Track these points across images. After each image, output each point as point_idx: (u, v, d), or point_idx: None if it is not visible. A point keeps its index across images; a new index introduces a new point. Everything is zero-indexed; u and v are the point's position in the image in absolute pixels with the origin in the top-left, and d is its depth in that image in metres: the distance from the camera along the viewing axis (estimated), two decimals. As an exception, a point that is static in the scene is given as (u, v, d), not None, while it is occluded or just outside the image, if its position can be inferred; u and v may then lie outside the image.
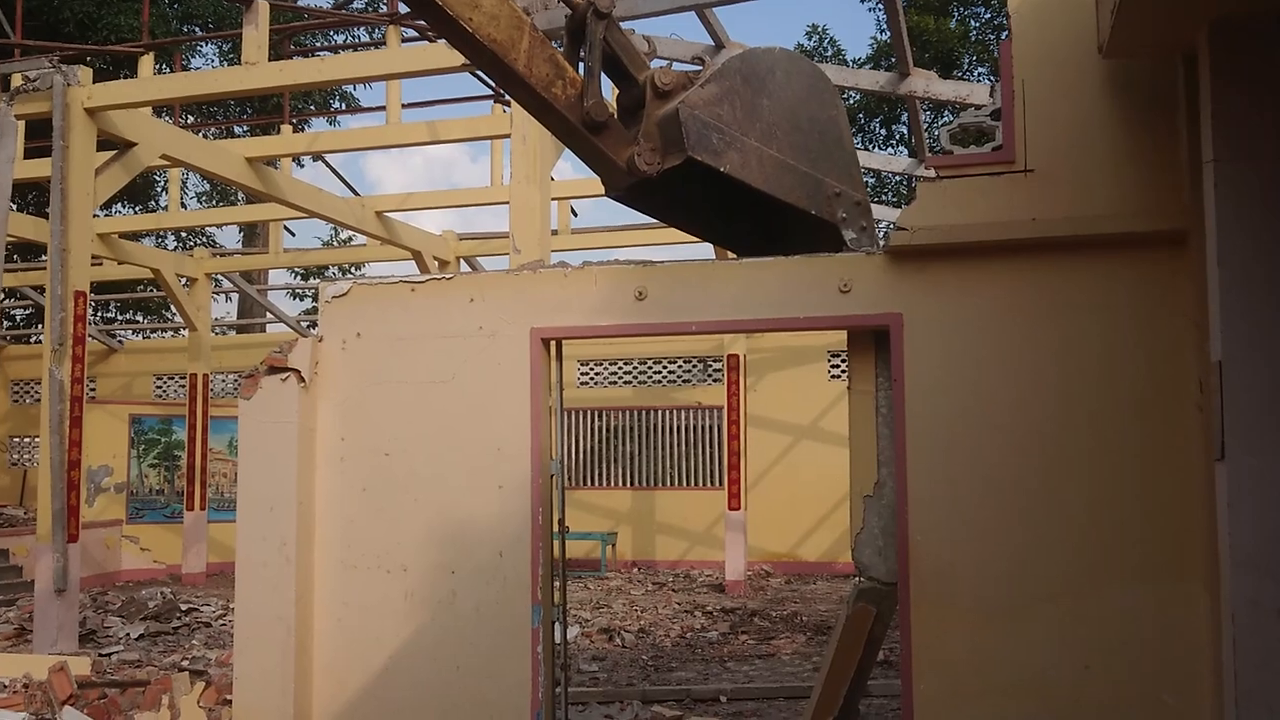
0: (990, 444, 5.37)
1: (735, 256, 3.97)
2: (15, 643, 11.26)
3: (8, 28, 13.86)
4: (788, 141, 3.49)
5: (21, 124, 11.00)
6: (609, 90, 4.77)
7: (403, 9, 11.99)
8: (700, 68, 3.51)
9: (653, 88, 3.46)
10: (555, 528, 6.08)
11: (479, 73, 11.67)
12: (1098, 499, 5.24)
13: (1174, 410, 5.17)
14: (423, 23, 12.22)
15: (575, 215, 17.61)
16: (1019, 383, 5.37)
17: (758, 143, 3.42)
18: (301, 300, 33.98)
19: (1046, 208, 5.32)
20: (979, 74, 27.64)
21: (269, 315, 23.06)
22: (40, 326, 24.40)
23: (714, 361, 18.49)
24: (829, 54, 28.34)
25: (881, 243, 5.67)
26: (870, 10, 29.27)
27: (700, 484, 18.47)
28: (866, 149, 27.98)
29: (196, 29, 24.74)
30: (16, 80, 11.07)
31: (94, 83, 11.04)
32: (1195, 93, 4.73)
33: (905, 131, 28.48)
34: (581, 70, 3.51)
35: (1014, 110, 5.42)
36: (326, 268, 31.17)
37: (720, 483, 17.49)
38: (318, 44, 26.31)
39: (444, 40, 3.58)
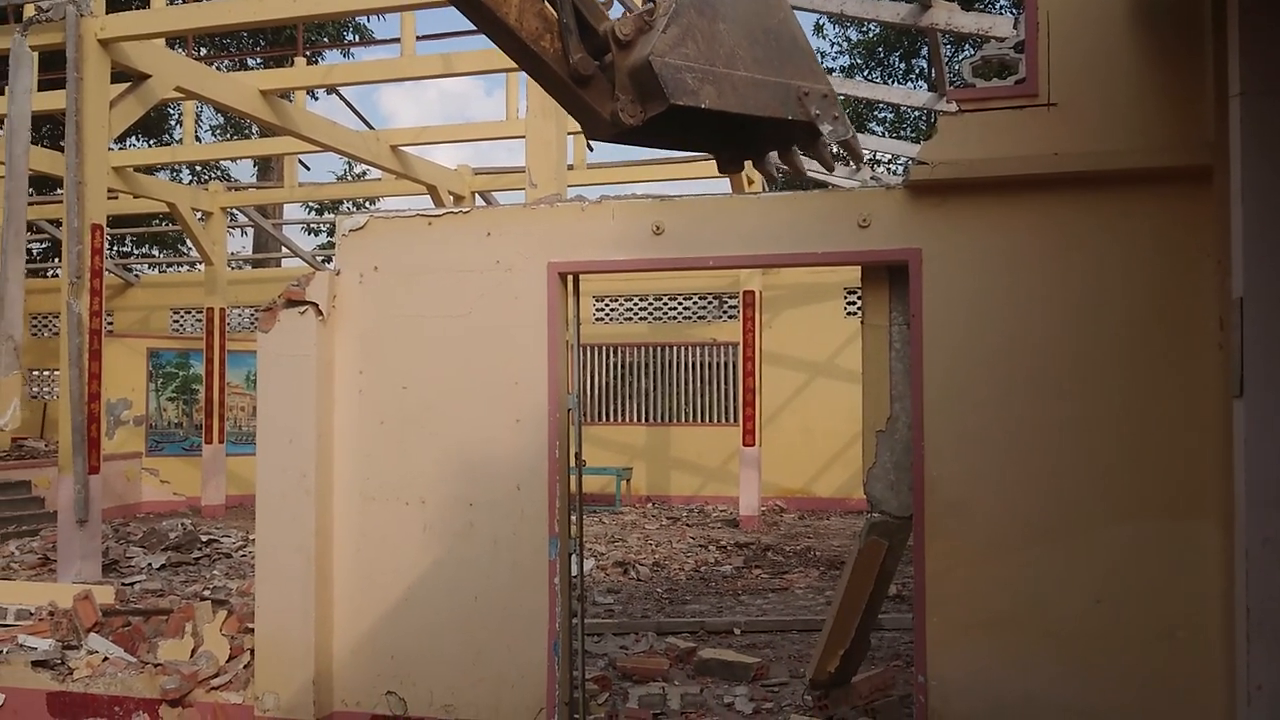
0: (1007, 380, 5.37)
1: (718, 168, 4.08)
2: (39, 572, 11.44)
3: (19, -43, 13.72)
4: (751, 58, 3.53)
5: (35, 55, 10.94)
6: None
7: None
8: (650, 3, 3.54)
9: (615, 40, 3.47)
10: (572, 462, 6.12)
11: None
12: (1115, 435, 5.24)
13: (1193, 347, 5.15)
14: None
15: (591, 150, 17.48)
16: (1037, 318, 5.35)
17: (725, 69, 3.46)
18: (316, 235, 33.97)
19: (1069, 142, 5.27)
20: (1001, 6, 27.19)
21: (284, 250, 23.07)
22: (57, 260, 24.48)
23: (730, 298, 18.46)
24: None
25: (901, 177, 5.63)
26: (891, -59, 28.67)
27: (715, 420, 18.53)
28: (885, 83, 27.64)
29: (209, -41, 24.48)
30: (29, 10, 11.00)
31: (106, 13, 10.96)
32: (1223, 24, 4.65)
33: (925, 65, 28.10)
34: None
35: (1038, 43, 5.35)
36: (341, 202, 31.10)
37: (735, 419, 17.54)
38: (331, -25, 26.05)
39: None
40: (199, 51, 18.57)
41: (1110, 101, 5.28)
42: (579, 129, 12.65)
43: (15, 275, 10.04)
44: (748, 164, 4.12)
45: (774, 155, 4.07)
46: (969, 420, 5.40)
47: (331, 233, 30.99)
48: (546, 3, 3.54)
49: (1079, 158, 5.24)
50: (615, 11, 3.69)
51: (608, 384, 19.05)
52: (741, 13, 3.52)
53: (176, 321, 21.82)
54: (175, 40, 14.45)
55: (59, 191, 18.50)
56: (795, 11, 3.84)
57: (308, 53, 20.08)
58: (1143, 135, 5.22)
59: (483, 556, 5.96)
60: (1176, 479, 5.17)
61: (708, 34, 3.46)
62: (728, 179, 15.45)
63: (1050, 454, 5.31)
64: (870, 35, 28.25)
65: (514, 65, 12.77)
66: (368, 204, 31.06)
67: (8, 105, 10.50)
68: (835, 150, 3.81)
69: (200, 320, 19.97)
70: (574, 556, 6.12)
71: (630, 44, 3.42)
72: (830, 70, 28.55)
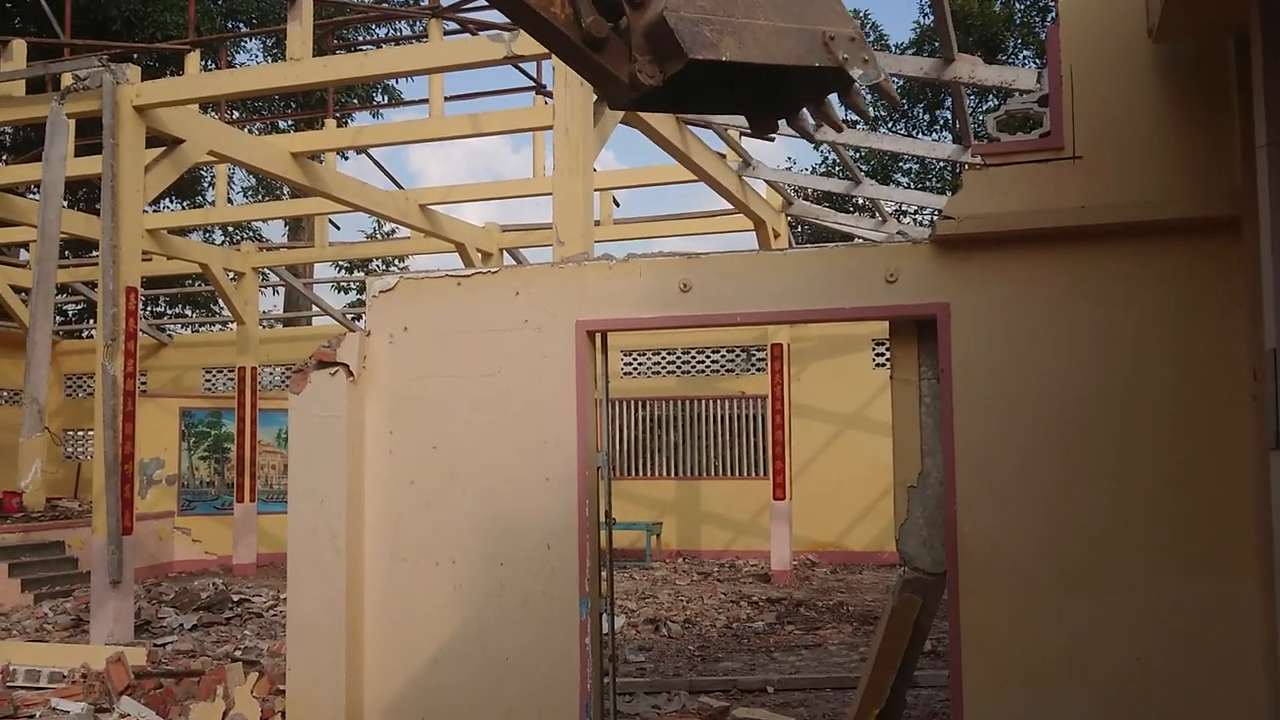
0: (1039, 434, 5.33)
1: (748, 131, 3.96)
2: (72, 634, 11.47)
3: (57, 27, 14.07)
4: (771, 5, 3.43)
5: (71, 122, 11.16)
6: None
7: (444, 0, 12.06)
8: None
9: (627, 1, 3.41)
10: (602, 519, 6.11)
11: (520, 65, 11.70)
12: (1150, 488, 5.19)
13: (1227, 399, 5.10)
14: (464, 15, 12.29)
15: (617, 205, 17.63)
16: (1068, 373, 5.32)
17: (745, 19, 3.37)
18: (346, 293, 34.24)
19: (1095, 194, 5.27)
20: (1024, 57, 27.32)
21: (315, 308, 23.28)
22: (92, 321, 24.79)
23: (758, 351, 18.45)
24: (871, 39, 28.11)
25: (928, 232, 5.64)
26: (913, -6, 28.95)
27: (745, 474, 18.44)
28: (910, 134, 27.76)
29: (241, 25, 24.99)
30: (67, 79, 11.24)
31: (141, 80, 11.19)
32: (1247, 76, 4.66)
33: (949, 116, 28.22)
34: None
35: (1062, 96, 5.37)
36: (371, 260, 31.38)
37: (765, 472, 17.45)
38: (360, 38, 26.47)
39: None
40: (231, 114, 18.89)
41: (1136, 153, 5.28)
42: (606, 186, 12.69)
43: (43, 338, 10.18)
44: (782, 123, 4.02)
45: (807, 113, 3.98)
46: (1001, 475, 5.36)
47: (361, 290, 31.25)
48: None
49: (1105, 210, 5.23)
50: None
51: (636, 438, 19.02)
52: None
53: (209, 381, 22.01)
54: (208, 105, 14.72)
55: (94, 254, 18.79)
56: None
57: (338, 114, 20.40)
58: (1169, 186, 5.22)
59: (513, 616, 5.94)
60: (1214, 532, 5.10)
61: None
62: (754, 233, 15.51)
63: (1084, 509, 5.25)
64: (894, 86, 28.40)
65: (541, 124, 12.85)
66: (397, 262, 31.33)
67: (43, 172, 10.70)
68: (869, 98, 3.72)
69: (232, 379, 20.13)
70: (604, 615, 6.09)
71: (643, 3, 3.35)
72: (853, 123, 28.73)
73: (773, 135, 4.05)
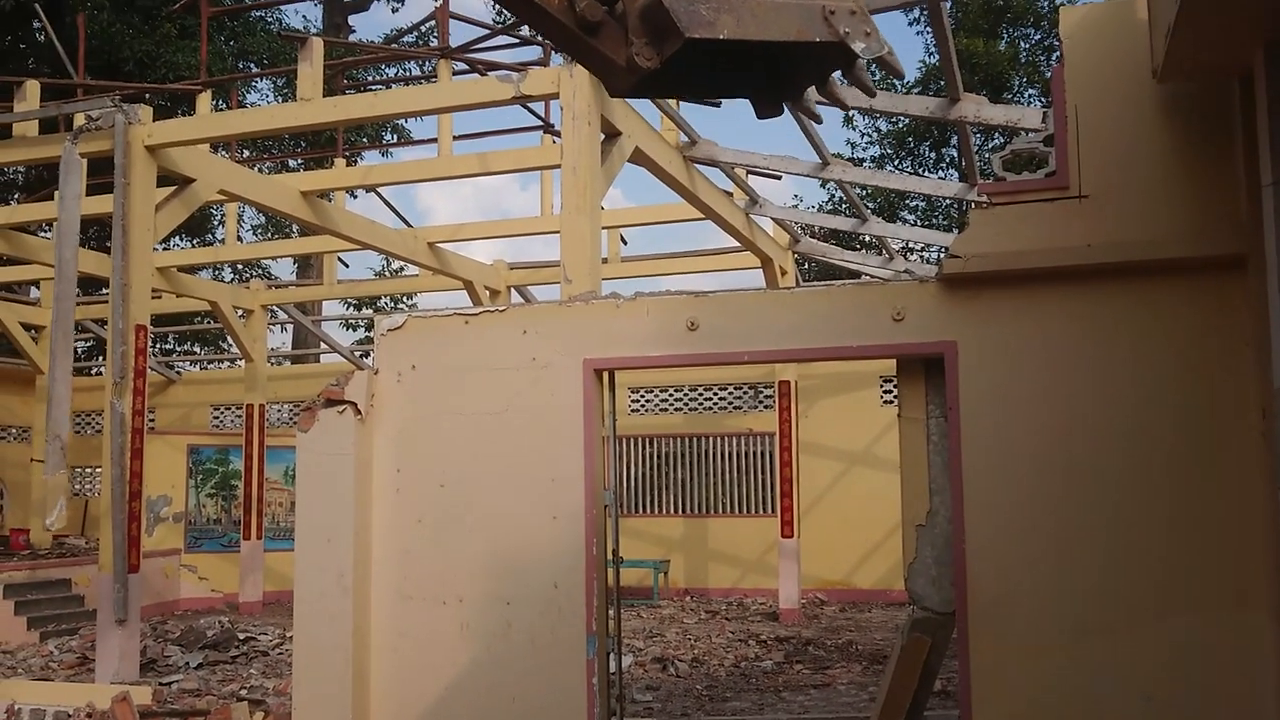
0: (1048, 472, 5.32)
1: (755, 114, 3.88)
2: (78, 672, 11.43)
3: (70, 68, 14.19)
4: None
5: (84, 162, 11.25)
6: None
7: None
8: None
9: None
10: (609, 557, 6.09)
11: (529, 105, 11.78)
12: (1161, 527, 5.17)
13: (1235, 437, 5.09)
14: (473, 56, 12.39)
15: (625, 243, 17.69)
16: (1076, 411, 5.31)
17: None
18: (354, 330, 34.35)
19: (1102, 233, 5.28)
20: (1029, 95, 27.47)
21: (323, 345, 23.34)
22: (101, 359, 24.89)
23: (765, 388, 18.44)
24: (877, 78, 28.28)
25: (935, 270, 5.65)
26: (918, 34, 29.24)
27: (753, 511, 18.38)
28: (917, 173, 27.87)
29: (252, 65, 25.22)
30: (79, 120, 11.34)
31: (153, 120, 11.29)
32: (1251, 115, 4.68)
33: (955, 154, 28.33)
34: None
35: (1067, 136, 5.40)
36: (379, 298, 31.50)
37: (773, 510, 17.39)
38: (370, 78, 26.69)
39: None
40: (242, 153, 19.04)
41: (1141, 192, 5.30)
42: (613, 224, 12.71)
43: (63, 375, 10.23)
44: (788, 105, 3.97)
45: (812, 91, 3.93)
46: (1010, 514, 5.35)
47: (369, 327, 31.34)
48: None
49: (1112, 248, 5.25)
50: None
51: (644, 475, 18.98)
52: None
53: (217, 418, 22.04)
54: (219, 144, 14.83)
55: (104, 292, 18.87)
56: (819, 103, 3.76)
57: (347, 153, 20.57)
58: (1175, 225, 5.23)
59: (520, 655, 5.91)
60: (1225, 571, 5.07)
61: None
62: (761, 270, 15.55)
63: (1095, 547, 5.23)
64: (900, 126, 28.56)
65: (549, 163, 12.91)
66: (405, 299, 31.45)
67: (58, 210, 10.79)
68: (874, 71, 3.65)
69: (240, 416, 20.16)
70: (612, 654, 6.06)
71: None
72: (860, 161, 28.85)
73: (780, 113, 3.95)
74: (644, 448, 19.01)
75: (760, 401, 18.67)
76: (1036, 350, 5.40)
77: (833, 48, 3.41)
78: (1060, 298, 5.38)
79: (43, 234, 17.24)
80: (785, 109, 4.01)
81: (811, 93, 3.87)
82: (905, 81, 28.86)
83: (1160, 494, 5.18)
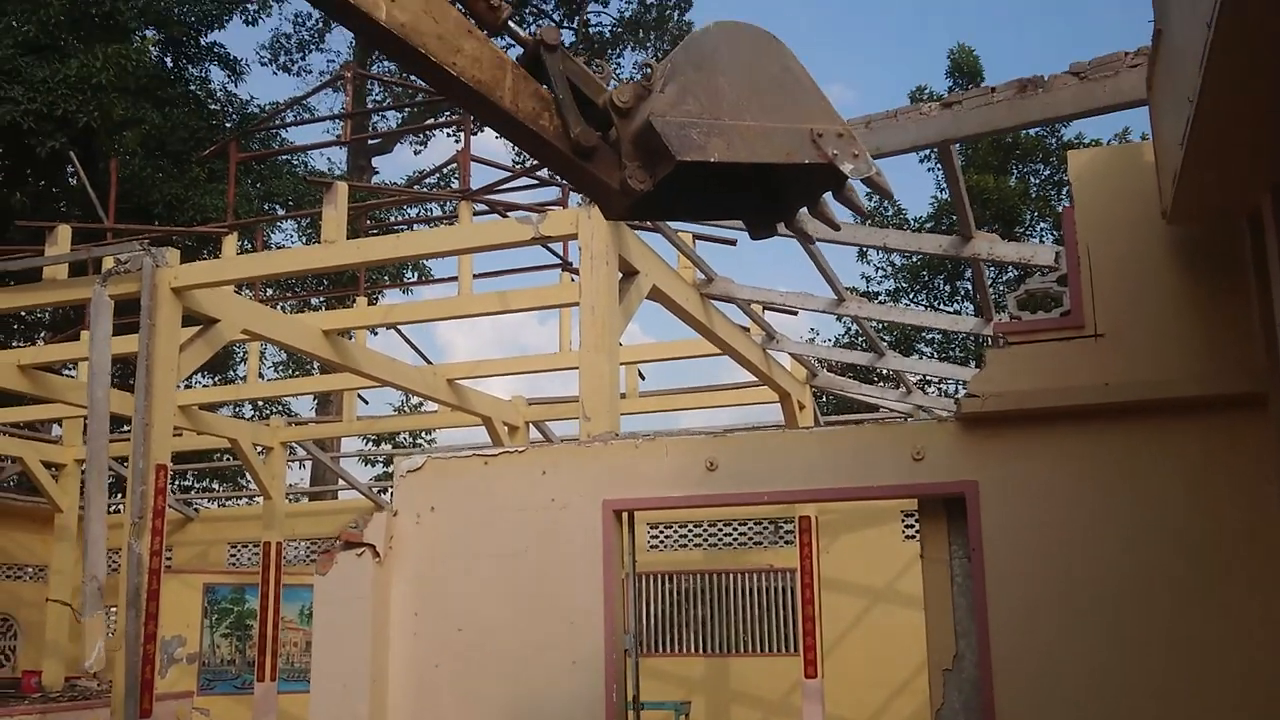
0: (1076, 613, 5.23)
1: (749, 235, 3.93)
2: (85, 821, 11.14)
3: (101, 211, 14.57)
4: (756, 106, 3.48)
5: (112, 303, 11.45)
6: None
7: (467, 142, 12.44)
8: (649, 71, 3.54)
9: (614, 109, 3.50)
10: (629, 702, 5.97)
11: (548, 245, 11.99)
12: (1188, 669, 5.05)
13: (1260, 576, 5.01)
14: (493, 198, 12.69)
15: (643, 378, 17.76)
16: (1101, 551, 5.25)
17: (732, 120, 3.42)
18: (372, 466, 34.35)
19: (1119, 372, 5.29)
20: (1041, 229, 27.83)
21: (341, 481, 23.33)
22: (119, 496, 24.90)
23: (785, 523, 18.26)
24: (890, 214, 28.75)
25: (953, 409, 5.66)
26: (929, 170, 29.79)
27: (775, 650, 18.02)
28: (932, 307, 28.07)
29: (278, 207, 25.83)
30: (108, 263, 11.57)
31: (180, 262, 11.51)
32: (1262, 255, 4.73)
33: (970, 288, 28.57)
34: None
35: (1080, 275, 5.46)
36: (398, 434, 31.58)
37: (795, 648, 17.04)
38: (392, 218, 27.27)
39: (434, 88, 3.71)
40: (265, 292, 19.40)
41: (1157, 331, 5.33)
42: (631, 360, 12.76)
43: (98, 514, 10.27)
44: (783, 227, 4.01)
45: (805, 212, 3.98)
46: (1039, 657, 5.24)
47: (388, 463, 31.35)
48: (541, 83, 3.57)
49: (1129, 387, 5.25)
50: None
51: (663, 613, 18.69)
52: (742, 64, 3.48)
53: (233, 556, 21.91)
54: (243, 285, 15.10)
55: (125, 430, 19.01)
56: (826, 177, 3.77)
57: (369, 291, 20.90)
58: (1192, 363, 5.24)
59: (538, 807, 5.76)
60: (1260, 706, 4.93)
61: (709, 88, 3.44)
62: (779, 405, 15.56)
63: (1127, 688, 5.11)
64: (914, 260, 28.88)
65: (567, 301, 13.08)
66: (424, 435, 31.52)
67: (90, 352, 10.94)
68: (866, 192, 3.70)
69: (257, 554, 20.04)
70: (633, 806, 5.90)
71: (631, 111, 3.41)
72: (875, 295, 29.13)
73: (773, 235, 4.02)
74: (663, 585, 18.76)
75: (781, 537, 18.47)
76: (1057, 489, 5.37)
77: (822, 169, 3.51)
78: (1081, 436, 5.36)
79: (67, 373, 17.44)
80: (779, 229, 4.09)
81: (803, 214, 3.95)
82: (917, 216, 29.35)
83: (1194, 631, 5.08)
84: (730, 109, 3.41)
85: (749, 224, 3.97)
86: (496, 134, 3.79)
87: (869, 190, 3.72)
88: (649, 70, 3.50)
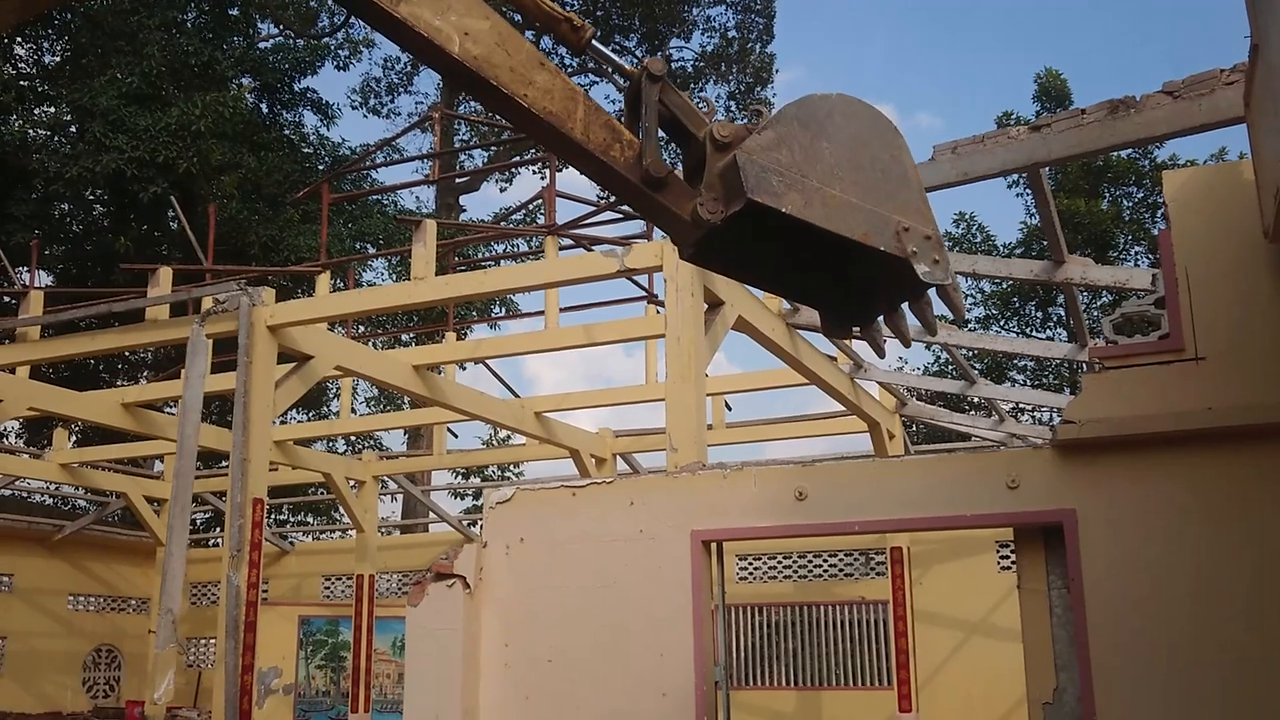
0: (1179, 644, 5.06)
1: (820, 323, 3.88)
2: None
3: (201, 253, 15.02)
4: (851, 181, 3.44)
5: (209, 342, 11.76)
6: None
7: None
8: (759, 114, 3.54)
9: (712, 141, 3.51)
10: (720, 737, 5.91)
11: (633, 277, 12.04)
12: (1307, 707, 4.84)
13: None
14: (578, 232, 12.79)
15: (729, 409, 17.70)
16: (1205, 580, 5.08)
17: (819, 184, 3.38)
18: (462, 499, 34.68)
19: (1222, 396, 5.14)
20: (1136, 252, 27.21)
21: (432, 514, 23.58)
22: (219, 530, 25.49)
23: (877, 554, 17.99)
24: (978, 240, 28.35)
25: (1049, 435, 5.54)
26: (1018, 196, 29.35)
27: (867, 684, 17.72)
28: (1024, 333, 27.58)
29: (369, 246, 26.36)
30: (207, 303, 11.90)
31: (275, 301, 11.79)
32: (1373, 274, 4.57)
33: (1062, 313, 28.02)
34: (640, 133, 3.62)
35: (1178, 298, 5.31)
36: (487, 466, 31.85)
37: (889, 682, 16.75)
38: (479, 255, 27.66)
39: (505, 119, 3.75)
40: (357, 329, 19.79)
41: (1262, 353, 5.17)
42: (718, 390, 12.73)
43: (178, 550, 10.48)
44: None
45: (881, 323, 3.93)
46: (1142, 689, 5.07)
47: (477, 496, 31.61)
48: (630, 116, 3.60)
49: (1235, 411, 5.09)
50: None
51: (753, 645, 18.51)
52: (849, 138, 3.45)
53: (328, 588, 22.25)
54: (335, 322, 15.40)
55: (223, 465, 19.47)
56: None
57: (457, 326, 21.18)
58: (1300, 386, 5.07)
59: (630, 841, 5.71)
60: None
61: (807, 147, 3.42)
62: (869, 434, 15.38)
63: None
64: (1004, 287, 28.43)
65: (653, 333, 13.09)
66: (512, 468, 31.74)
67: (183, 390, 11.23)
68: (935, 309, 3.65)
69: (350, 587, 20.33)
70: (726, 841, 5.82)
71: (727, 145, 3.43)
72: (965, 324, 28.70)
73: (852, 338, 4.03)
74: (753, 617, 18.59)
75: (872, 568, 18.20)
76: (1158, 516, 5.21)
77: (899, 266, 3.44)
78: (1183, 462, 5.21)
79: (168, 410, 17.94)
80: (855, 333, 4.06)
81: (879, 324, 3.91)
82: (1006, 242, 28.89)
83: (1306, 670, 4.88)
84: (823, 174, 3.39)
85: (824, 319, 3.97)
86: (565, 163, 3.85)
87: (940, 306, 3.66)
88: (759, 113, 3.53)
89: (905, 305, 3.74)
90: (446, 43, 3.36)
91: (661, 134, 3.65)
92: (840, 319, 3.92)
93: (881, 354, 4.10)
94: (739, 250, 3.65)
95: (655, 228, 11.20)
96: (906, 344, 3.99)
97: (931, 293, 3.61)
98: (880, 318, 3.87)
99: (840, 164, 3.44)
